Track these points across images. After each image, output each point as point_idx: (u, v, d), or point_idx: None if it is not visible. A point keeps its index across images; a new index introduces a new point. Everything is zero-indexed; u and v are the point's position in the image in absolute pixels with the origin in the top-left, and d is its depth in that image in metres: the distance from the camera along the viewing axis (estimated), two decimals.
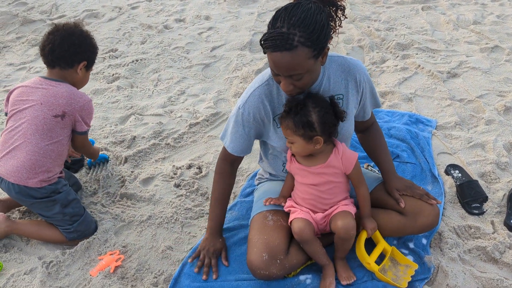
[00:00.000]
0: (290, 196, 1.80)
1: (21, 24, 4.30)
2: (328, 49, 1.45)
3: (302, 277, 1.71)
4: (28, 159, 1.83)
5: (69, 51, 1.90)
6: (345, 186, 1.71)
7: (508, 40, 3.79)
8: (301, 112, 1.52)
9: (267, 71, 1.64)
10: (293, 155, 1.70)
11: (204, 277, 1.72)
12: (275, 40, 1.33)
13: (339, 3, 1.47)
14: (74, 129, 1.96)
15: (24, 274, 1.81)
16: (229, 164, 1.80)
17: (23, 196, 1.87)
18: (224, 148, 1.77)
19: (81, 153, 2.36)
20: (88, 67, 2.02)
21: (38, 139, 1.84)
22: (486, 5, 4.60)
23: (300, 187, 1.72)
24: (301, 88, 1.47)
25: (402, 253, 1.82)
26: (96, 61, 2.08)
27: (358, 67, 1.66)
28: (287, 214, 1.75)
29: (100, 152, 2.43)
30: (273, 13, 1.42)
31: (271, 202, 1.77)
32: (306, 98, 1.55)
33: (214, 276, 1.73)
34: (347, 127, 1.71)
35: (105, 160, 2.47)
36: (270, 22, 1.39)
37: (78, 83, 2.02)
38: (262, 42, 1.38)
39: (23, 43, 4.05)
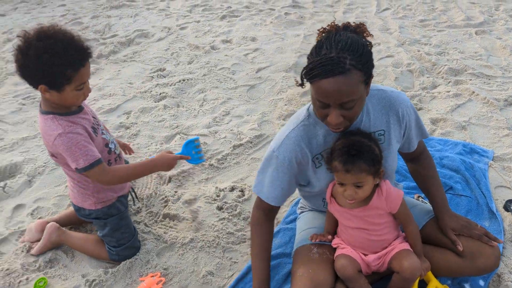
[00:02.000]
0: (335, 232, 1.72)
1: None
2: (372, 77, 1.38)
3: None
4: (72, 185, 1.88)
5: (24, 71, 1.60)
6: (394, 223, 1.60)
7: None
8: (367, 149, 1.41)
9: (301, 112, 1.57)
10: (332, 196, 1.60)
11: None
12: (325, 65, 1.25)
13: (367, 38, 1.39)
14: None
15: None
16: (264, 214, 1.66)
17: (80, 215, 1.95)
18: (259, 198, 1.65)
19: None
20: (56, 88, 1.61)
21: (67, 168, 1.82)
22: None
23: (345, 229, 1.63)
24: (350, 120, 1.37)
25: None
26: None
27: (399, 100, 1.54)
28: (333, 247, 1.67)
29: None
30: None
31: (317, 240, 1.68)
32: (357, 135, 1.45)
33: None
34: (390, 162, 1.59)
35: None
36: (312, 52, 1.32)
37: (61, 103, 1.68)
38: (308, 71, 1.30)
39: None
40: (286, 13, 5.37)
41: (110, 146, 1.87)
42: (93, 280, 1.85)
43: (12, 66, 3.99)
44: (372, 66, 1.34)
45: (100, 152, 1.75)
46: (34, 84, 1.60)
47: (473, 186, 2.28)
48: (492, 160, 2.54)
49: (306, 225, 1.81)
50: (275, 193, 1.58)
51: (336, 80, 1.26)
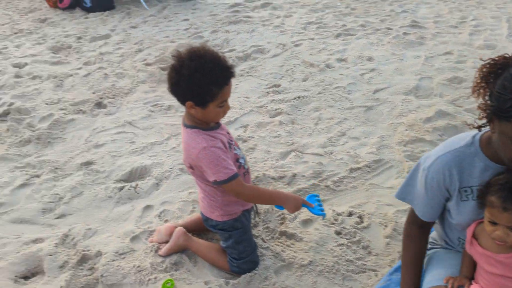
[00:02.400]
0: (472, 276, 1.57)
1: None
2: None
3: None
4: (202, 196, 1.96)
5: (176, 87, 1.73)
6: None
7: None
8: None
9: (464, 137, 1.47)
10: (473, 236, 1.47)
11: None
12: None
13: None
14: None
15: None
16: (418, 227, 1.64)
17: (207, 224, 2.04)
18: (412, 210, 1.63)
19: None
20: (201, 105, 1.70)
21: (200, 180, 1.91)
22: None
23: (486, 275, 1.47)
24: None
25: None
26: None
27: None
28: None
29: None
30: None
31: (454, 284, 1.54)
32: None
33: None
34: None
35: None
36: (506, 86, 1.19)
37: (203, 120, 1.78)
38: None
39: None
40: (404, 33, 5.17)
41: (240, 161, 1.93)
42: None
43: (144, 75, 4.37)
44: None
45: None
46: (183, 100, 1.72)
47: None
48: None
49: (438, 264, 1.68)
50: (425, 209, 1.57)
51: None
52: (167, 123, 3.46)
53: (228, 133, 1.95)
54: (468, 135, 1.47)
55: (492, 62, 1.28)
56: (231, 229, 1.97)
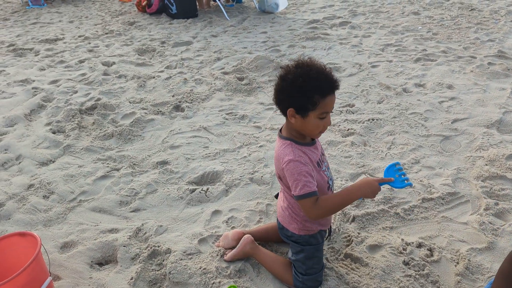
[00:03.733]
0: None
1: (274, 68, 4.87)
2: None
3: None
4: (285, 205, 1.99)
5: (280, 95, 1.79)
6: None
7: None
8: None
9: None
10: None
11: None
12: None
13: None
14: None
15: None
16: None
17: (282, 233, 2.08)
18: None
19: None
20: (301, 113, 1.73)
21: (287, 191, 1.95)
22: None
23: None
24: None
25: None
26: (332, 112, 1.95)
27: None
28: None
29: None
30: None
31: None
32: None
33: None
34: None
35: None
36: None
37: (301, 130, 1.81)
38: None
39: (273, 86, 4.56)
40: (489, 63, 4.93)
41: (329, 182, 1.94)
42: None
43: (220, 83, 4.53)
44: None
45: (321, 187, 1.83)
46: (285, 107, 1.75)
47: None
48: None
49: None
50: None
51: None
52: (240, 132, 3.56)
53: (323, 154, 1.96)
54: None
55: None
56: (305, 243, 1.99)
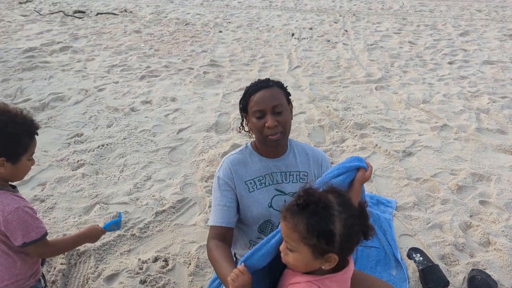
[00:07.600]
0: None
1: None
2: (292, 105, 1.82)
3: None
4: None
5: None
6: None
7: (455, 119, 4.10)
8: (322, 214, 1.14)
9: (241, 147, 1.90)
10: None
11: None
12: (256, 84, 1.78)
13: None
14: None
15: None
16: (218, 240, 1.71)
17: None
18: (210, 227, 1.76)
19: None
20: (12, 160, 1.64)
21: None
22: (433, 84, 5.00)
23: None
24: (284, 126, 1.70)
25: None
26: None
27: (321, 153, 1.94)
28: None
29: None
30: (238, 93, 1.62)
31: None
32: (330, 193, 1.22)
33: None
34: None
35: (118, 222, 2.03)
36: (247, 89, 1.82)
37: (11, 178, 1.70)
38: (244, 95, 1.82)
39: None
40: (205, 72, 5.57)
41: None
42: None
43: None
44: (289, 94, 1.82)
45: None
46: None
47: (380, 236, 2.50)
48: (396, 209, 2.81)
49: None
50: (222, 214, 1.76)
51: (265, 90, 1.72)
52: None
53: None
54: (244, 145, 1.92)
55: None
56: None
